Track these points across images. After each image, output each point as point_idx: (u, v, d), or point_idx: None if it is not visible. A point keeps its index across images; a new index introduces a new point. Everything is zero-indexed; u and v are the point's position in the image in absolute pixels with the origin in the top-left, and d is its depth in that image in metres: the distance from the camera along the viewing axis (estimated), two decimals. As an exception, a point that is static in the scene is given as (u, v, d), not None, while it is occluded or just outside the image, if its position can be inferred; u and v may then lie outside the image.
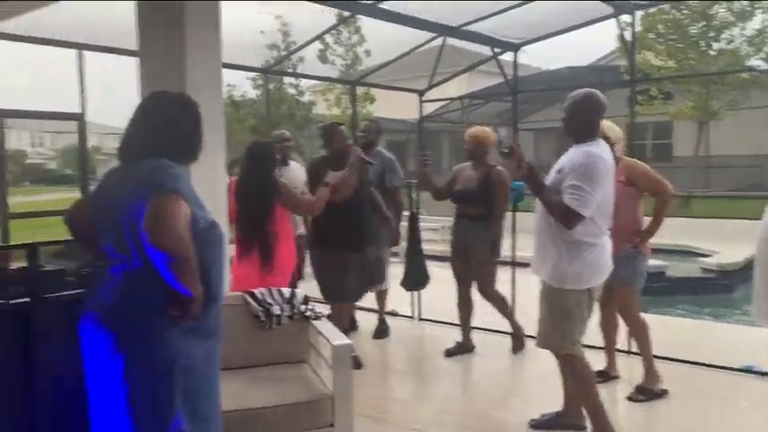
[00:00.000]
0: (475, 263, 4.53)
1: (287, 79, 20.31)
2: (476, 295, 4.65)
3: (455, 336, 4.75)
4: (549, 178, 3.02)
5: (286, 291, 3.10)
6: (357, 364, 4.02)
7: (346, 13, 6.93)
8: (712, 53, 16.61)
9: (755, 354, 4.21)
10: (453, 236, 4.67)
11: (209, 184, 3.55)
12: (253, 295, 3.04)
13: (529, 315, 5.12)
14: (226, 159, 3.76)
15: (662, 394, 3.74)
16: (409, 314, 5.54)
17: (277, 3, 4.90)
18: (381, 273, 4.56)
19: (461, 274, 4.64)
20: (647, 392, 3.75)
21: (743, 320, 6.76)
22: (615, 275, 3.22)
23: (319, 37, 7.47)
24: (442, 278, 4.90)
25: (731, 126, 17.72)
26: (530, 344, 4.74)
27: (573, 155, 2.95)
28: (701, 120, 16.87)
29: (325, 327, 2.98)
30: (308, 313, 3.05)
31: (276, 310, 2.99)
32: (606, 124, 4.43)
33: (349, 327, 4.79)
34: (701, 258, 9.49)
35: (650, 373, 3.79)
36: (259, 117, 17.51)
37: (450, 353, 4.62)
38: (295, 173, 5.09)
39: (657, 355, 3.96)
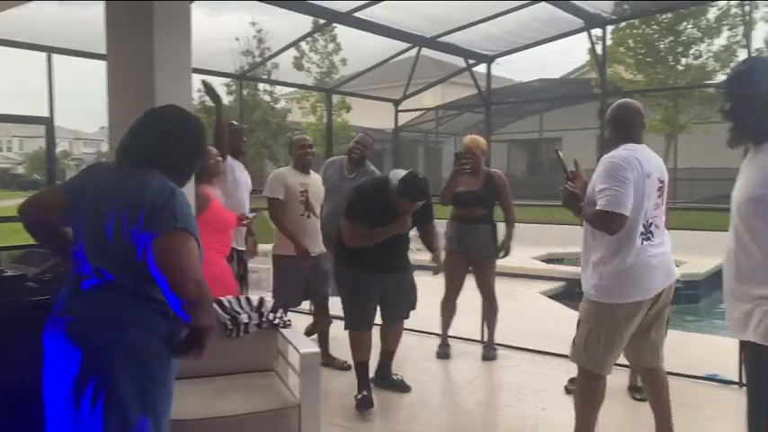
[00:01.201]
0: (480, 263, 4.64)
1: (261, 86, 20.25)
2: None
3: (428, 344, 4.76)
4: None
5: (254, 299, 3.07)
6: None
7: (322, 21, 6.94)
8: (680, 68, 16.99)
9: (720, 362, 4.29)
10: (455, 238, 4.67)
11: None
12: (220, 303, 3.01)
13: (508, 324, 5.18)
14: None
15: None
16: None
17: (260, 6, 4.82)
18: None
19: (458, 276, 4.65)
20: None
21: (708, 329, 6.88)
22: None
23: (294, 44, 7.47)
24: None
25: (698, 139, 18.12)
26: (501, 352, 4.79)
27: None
28: (670, 133, 17.20)
29: (294, 335, 2.96)
30: (277, 321, 3.02)
31: (244, 318, 2.96)
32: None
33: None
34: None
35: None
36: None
37: (442, 355, 4.75)
38: (316, 184, 4.53)
39: (625, 365, 4.01)
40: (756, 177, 2.01)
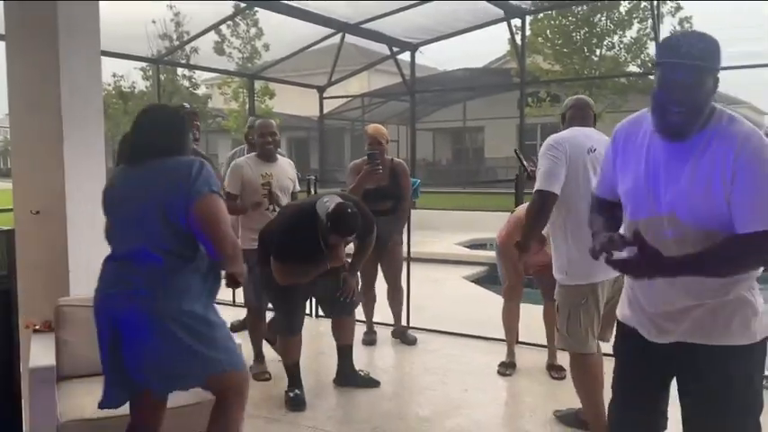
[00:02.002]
0: (388, 256, 4.63)
1: (180, 71, 19.61)
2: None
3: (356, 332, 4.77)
4: None
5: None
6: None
7: (243, 5, 6.77)
8: (595, 58, 17.68)
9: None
10: None
11: (90, 176, 3.35)
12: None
13: (432, 309, 5.25)
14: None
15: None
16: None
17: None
18: None
19: (371, 269, 4.62)
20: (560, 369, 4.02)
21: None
22: None
23: (215, 27, 7.26)
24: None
25: (611, 127, 18.92)
26: (425, 336, 4.86)
27: None
28: (585, 122, 17.87)
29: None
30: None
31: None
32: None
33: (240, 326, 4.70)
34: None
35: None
36: (150, 110, 16.70)
37: (368, 342, 4.76)
38: (283, 173, 4.14)
39: (544, 345, 4.17)
40: None
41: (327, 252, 3.39)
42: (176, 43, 12.95)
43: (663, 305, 1.83)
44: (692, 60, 1.66)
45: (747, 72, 7.98)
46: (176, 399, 2.43)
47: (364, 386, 3.87)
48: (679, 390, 1.92)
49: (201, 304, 2.14)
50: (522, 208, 4.04)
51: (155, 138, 2.19)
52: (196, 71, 20.04)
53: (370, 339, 4.82)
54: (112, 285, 2.14)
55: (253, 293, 3.99)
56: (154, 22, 18.42)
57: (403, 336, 4.85)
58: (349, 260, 3.74)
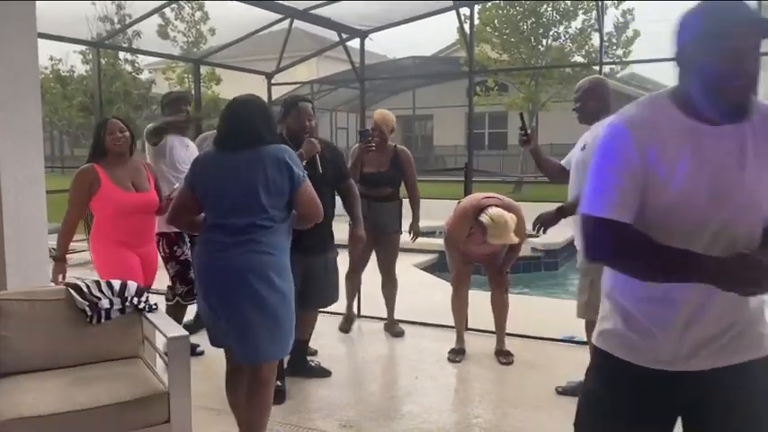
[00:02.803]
0: (385, 243, 4.59)
1: (123, 55, 18.97)
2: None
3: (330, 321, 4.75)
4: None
5: (116, 283, 2.88)
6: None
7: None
8: (541, 48, 18.00)
9: (576, 325, 4.63)
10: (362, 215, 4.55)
11: (26, 163, 3.22)
12: (78, 288, 2.79)
13: (374, 297, 5.26)
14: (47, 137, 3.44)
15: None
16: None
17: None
18: None
19: (363, 253, 4.50)
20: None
21: (567, 295, 7.43)
22: None
23: (158, 11, 7.04)
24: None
25: (556, 117, 19.37)
26: (376, 326, 4.87)
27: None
28: (531, 110, 18.24)
29: (161, 319, 2.81)
30: (142, 306, 2.86)
31: (105, 303, 2.77)
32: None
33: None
34: (531, 239, 10.31)
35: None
36: (90, 94, 16.13)
37: (345, 329, 4.76)
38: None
39: (492, 331, 4.24)
40: None
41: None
42: (118, 26, 12.51)
43: (712, 322, 1.48)
44: (755, 24, 1.40)
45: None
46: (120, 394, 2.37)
47: (316, 376, 3.85)
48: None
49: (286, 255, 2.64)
50: (469, 198, 4.09)
51: (254, 127, 2.60)
52: (139, 55, 19.45)
53: (346, 327, 4.77)
54: (235, 245, 2.52)
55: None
56: (94, 3, 17.84)
57: (392, 328, 4.76)
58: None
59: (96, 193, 3.31)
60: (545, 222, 3.41)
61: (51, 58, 20.10)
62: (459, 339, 4.28)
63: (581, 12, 17.51)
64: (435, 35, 20.33)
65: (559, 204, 3.39)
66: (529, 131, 3.58)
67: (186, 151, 4.25)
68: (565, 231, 9.41)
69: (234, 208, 2.55)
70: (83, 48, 15.99)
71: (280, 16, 5.92)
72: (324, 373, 3.89)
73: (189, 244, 4.09)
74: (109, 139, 3.38)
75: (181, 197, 2.75)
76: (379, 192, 4.48)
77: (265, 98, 7.01)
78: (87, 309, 2.76)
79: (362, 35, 6.16)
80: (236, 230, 2.53)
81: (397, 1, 5.78)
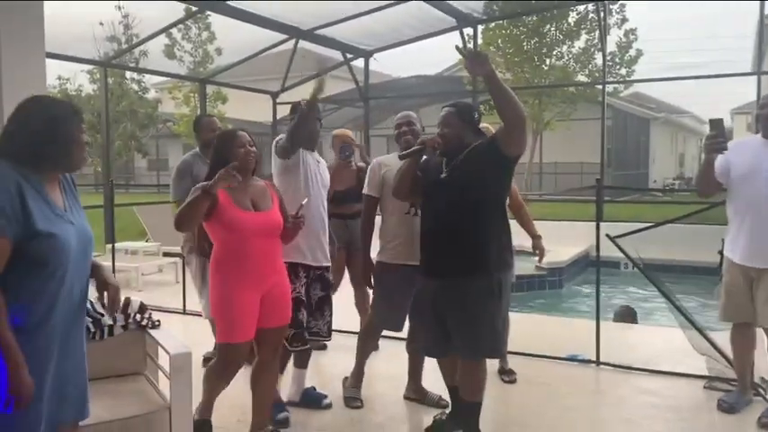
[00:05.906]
0: (357, 259, 4.51)
1: (129, 74, 19.16)
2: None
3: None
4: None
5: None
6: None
7: (195, 8, 6.68)
8: (545, 68, 18.09)
9: (580, 343, 4.62)
10: (335, 233, 4.36)
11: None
12: (83, 305, 2.81)
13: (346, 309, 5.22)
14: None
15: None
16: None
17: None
18: None
19: (335, 272, 4.39)
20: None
21: (570, 313, 7.40)
22: None
23: (164, 31, 7.13)
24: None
25: (560, 135, 19.43)
26: (341, 341, 4.83)
27: None
28: (535, 129, 18.29)
29: (164, 336, 2.83)
30: (145, 322, 2.87)
31: (108, 320, 2.79)
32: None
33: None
34: (534, 257, 10.25)
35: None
36: (97, 113, 16.27)
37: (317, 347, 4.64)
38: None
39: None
40: None
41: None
42: (125, 46, 12.65)
43: None
44: None
45: (689, 83, 8.31)
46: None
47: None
48: None
49: None
50: None
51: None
52: (146, 75, 19.64)
53: (319, 345, 4.73)
54: None
55: None
56: (101, 24, 18.05)
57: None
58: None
59: (213, 214, 2.77)
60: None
61: (59, 78, 20.31)
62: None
63: (584, 31, 17.63)
64: (439, 55, 20.46)
65: None
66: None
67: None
68: (569, 250, 9.41)
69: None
70: (90, 67, 16.18)
71: (285, 37, 6.00)
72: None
73: (305, 279, 3.46)
74: (242, 152, 2.89)
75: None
76: (348, 208, 4.55)
77: (270, 117, 7.10)
78: (90, 325, 2.77)
79: (367, 55, 6.23)
80: None
81: (402, 21, 5.85)
